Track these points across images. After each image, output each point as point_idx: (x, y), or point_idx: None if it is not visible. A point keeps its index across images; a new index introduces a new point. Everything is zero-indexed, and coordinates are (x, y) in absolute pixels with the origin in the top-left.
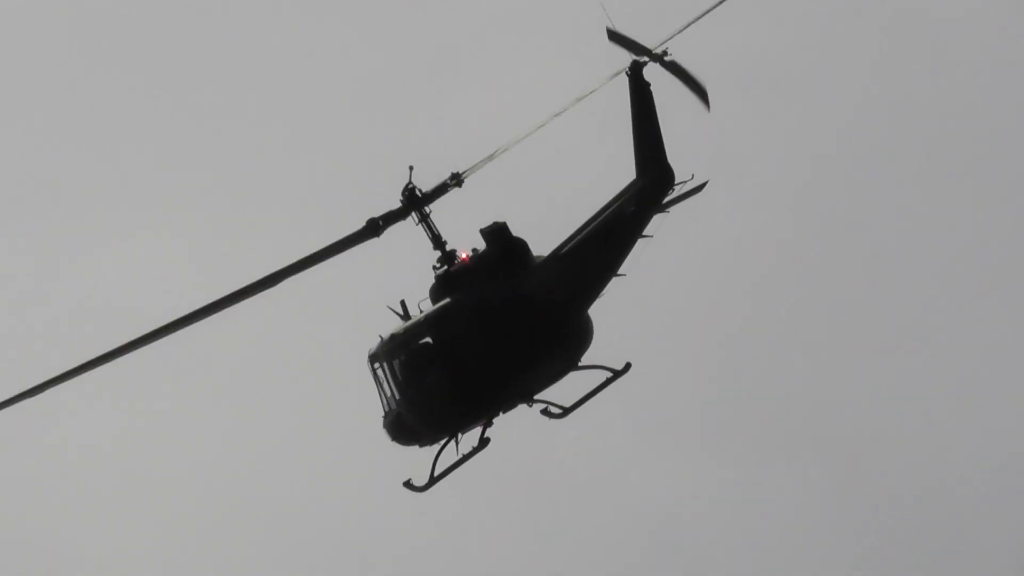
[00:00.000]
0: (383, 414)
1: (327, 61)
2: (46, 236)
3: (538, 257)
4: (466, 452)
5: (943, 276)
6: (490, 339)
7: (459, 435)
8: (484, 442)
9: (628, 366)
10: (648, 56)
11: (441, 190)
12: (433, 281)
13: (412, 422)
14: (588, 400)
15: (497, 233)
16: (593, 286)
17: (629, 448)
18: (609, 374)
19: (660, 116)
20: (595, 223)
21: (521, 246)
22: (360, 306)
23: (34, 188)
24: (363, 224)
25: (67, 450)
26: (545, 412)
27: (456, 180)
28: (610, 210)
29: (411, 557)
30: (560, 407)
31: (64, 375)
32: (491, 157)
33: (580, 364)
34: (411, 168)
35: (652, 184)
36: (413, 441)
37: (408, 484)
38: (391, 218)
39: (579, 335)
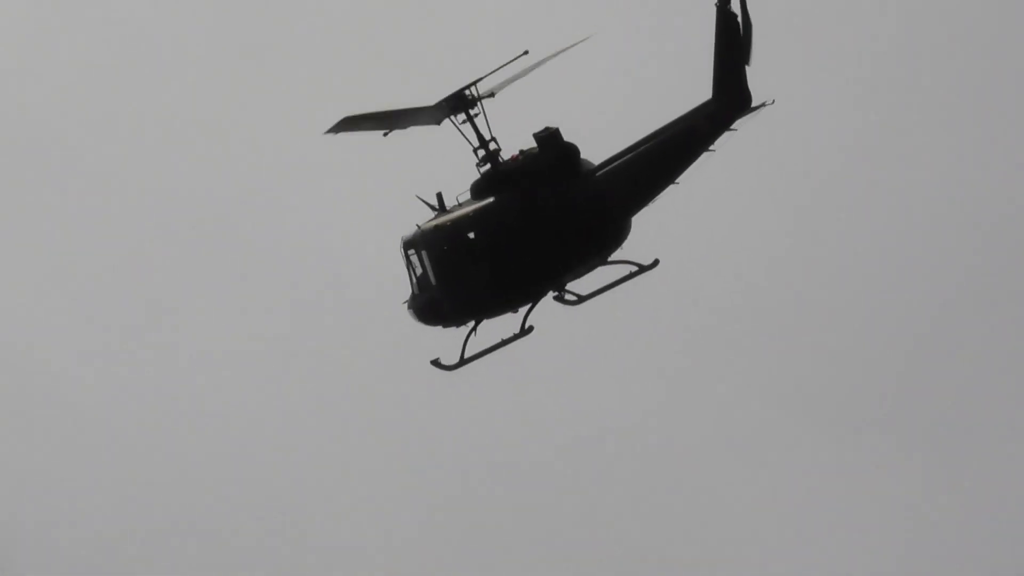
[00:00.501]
0: (410, 295)
1: None
2: None
3: (586, 162)
4: (506, 337)
5: None
6: (534, 239)
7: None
8: (526, 330)
9: (656, 262)
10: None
11: (486, 96)
12: (478, 178)
13: (447, 307)
14: (608, 290)
15: (550, 138)
16: (648, 195)
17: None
18: (634, 268)
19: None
20: (664, 136)
21: (573, 151)
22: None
23: None
24: (434, 102)
25: None
26: (559, 299)
27: (489, 93)
28: (681, 126)
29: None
30: (576, 295)
31: None
32: (525, 72)
33: (610, 259)
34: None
35: (729, 105)
36: (439, 322)
37: (436, 363)
38: (441, 108)
39: (617, 238)
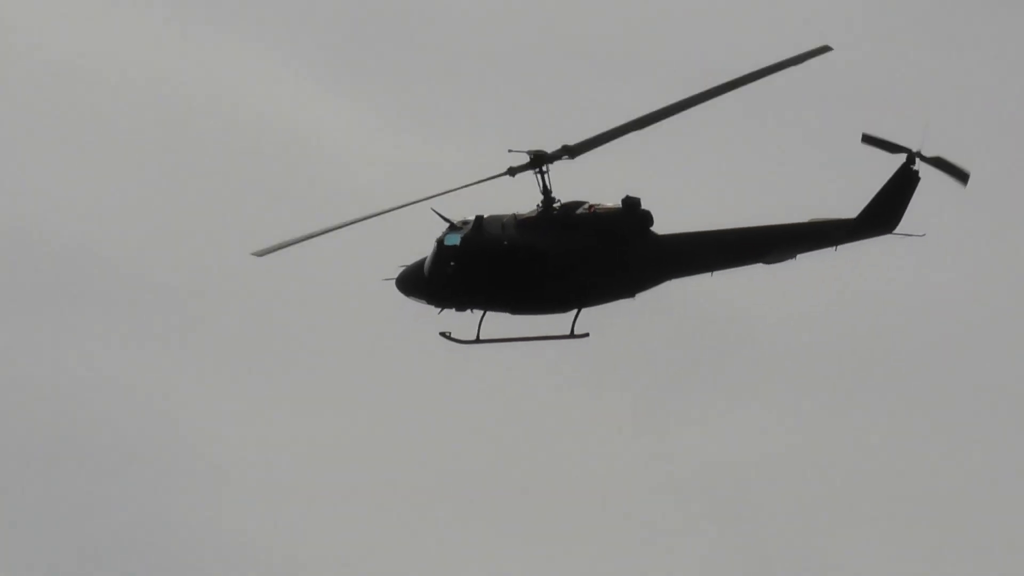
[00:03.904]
0: (414, 268)
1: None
2: None
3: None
4: (551, 333)
5: None
6: (552, 273)
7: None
8: (577, 335)
9: (585, 335)
10: (907, 152)
11: (557, 156)
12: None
13: (433, 289)
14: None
15: (636, 205)
16: (707, 269)
17: None
18: (565, 334)
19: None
20: (773, 228)
21: (648, 218)
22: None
23: None
24: (504, 170)
25: None
26: (446, 335)
27: (569, 152)
28: (805, 224)
29: None
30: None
31: None
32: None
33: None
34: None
35: (873, 224)
36: (422, 297)
37: (447, 335)
38: (521, 168)
39: (632, 290)
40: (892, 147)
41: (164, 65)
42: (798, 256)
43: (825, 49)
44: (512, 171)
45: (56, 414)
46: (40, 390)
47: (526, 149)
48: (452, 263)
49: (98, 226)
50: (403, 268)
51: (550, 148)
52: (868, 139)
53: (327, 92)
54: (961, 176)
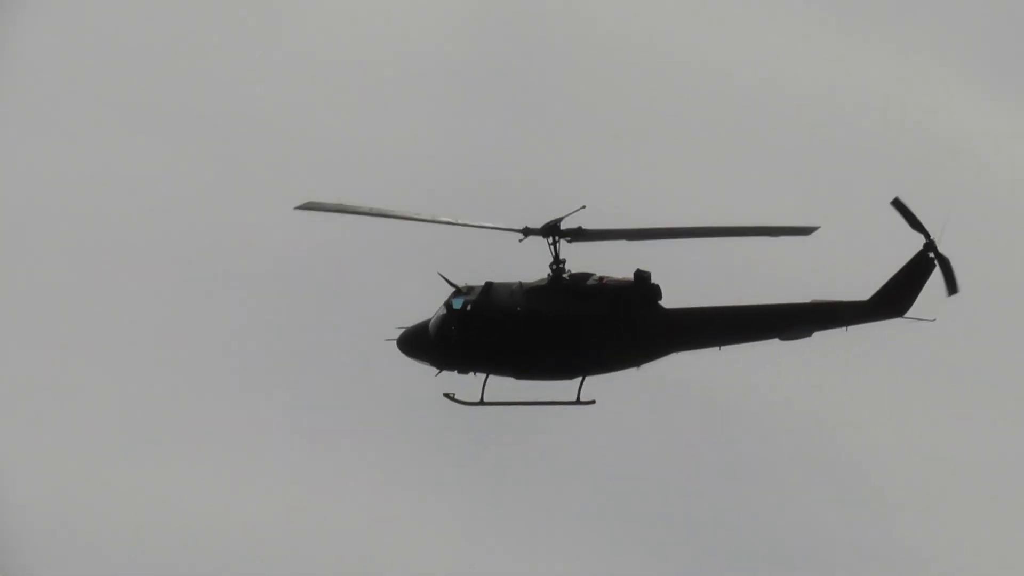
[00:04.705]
0: (417, 330)
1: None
2: None
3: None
4: (556, 399)
5: None
6: (553, 342)
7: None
8: (583, 400)
9: (592, 402)
10: (926, 235)
11: (570, 234)
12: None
13: (438, 351)
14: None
15: (647, 279)
16: (715, 344)
17: None
18: (571, 400)
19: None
20: (780, 307)
21: (657, 291)
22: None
23: None
24: (520, 227)
25: None
26: (450, 396)
27: (582, 236)
28: (811, 304)
29: None
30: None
31: None
32: (618, 235)
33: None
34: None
35: (879, 313)
36: (424, 358)
37: (450, 396)
38: (534, 232)
39: (635, 362)
40: (915, 223)
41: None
42: (814, 334)
43: (811, 230)
44: (527, 232)
45: None
46: None
47: (545, 220)
48: (459, 326)
49: None
50: (403, 329)
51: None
52: (898, 205)
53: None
54: (953, 288)
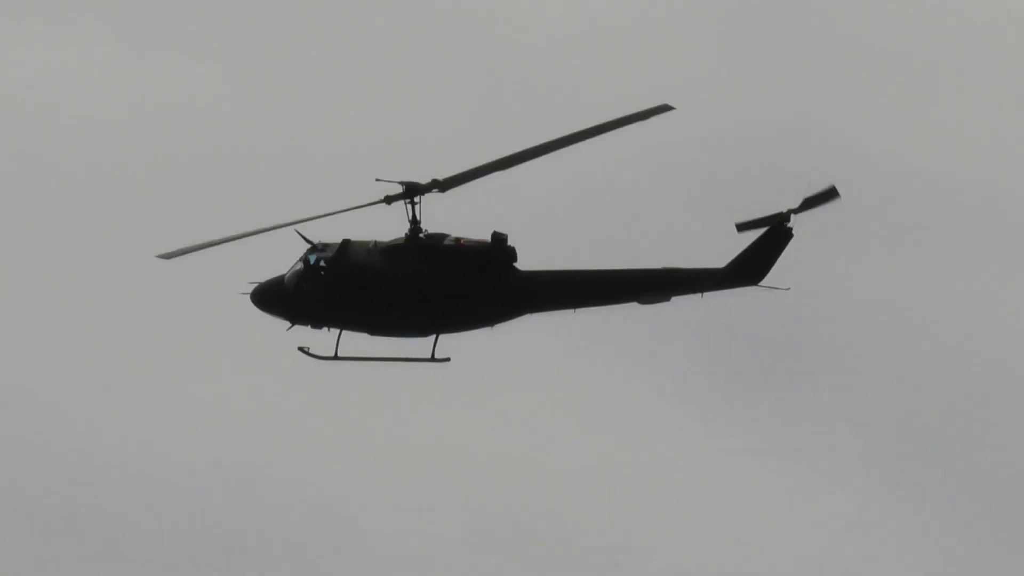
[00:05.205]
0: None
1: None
2: None
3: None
4: (410, 356)
5: None
6: (406, 298)
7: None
8: (437, 358)
9: (447, 359)
10: (783, 219)
11: (428, 188)
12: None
13: (292, 305)
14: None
15: (503, 241)
16: (558, 308)
17: None
18: (425, 357)
19: None
20: (636, 272)
21: (512, 255)
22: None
23: None
24: (380, 198)
25: None
26: (304, 350)
27: (439, 186)
28: (666, 270)
29: None
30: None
31: None
32: (476, 174)
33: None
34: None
35: (733, 282)
36: (278, 312)
37: (305, 350)
38: (396, 198)
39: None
40: (767, 221)
41: None
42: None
43: (665, 108)
44: (388, 199)
45: None
46: None
47: (397, 180)
48: (314, 282)
49: None
50: (257, 284)
51: (421, 180)
52: (743, 226)
53: None
54: (830, 195)
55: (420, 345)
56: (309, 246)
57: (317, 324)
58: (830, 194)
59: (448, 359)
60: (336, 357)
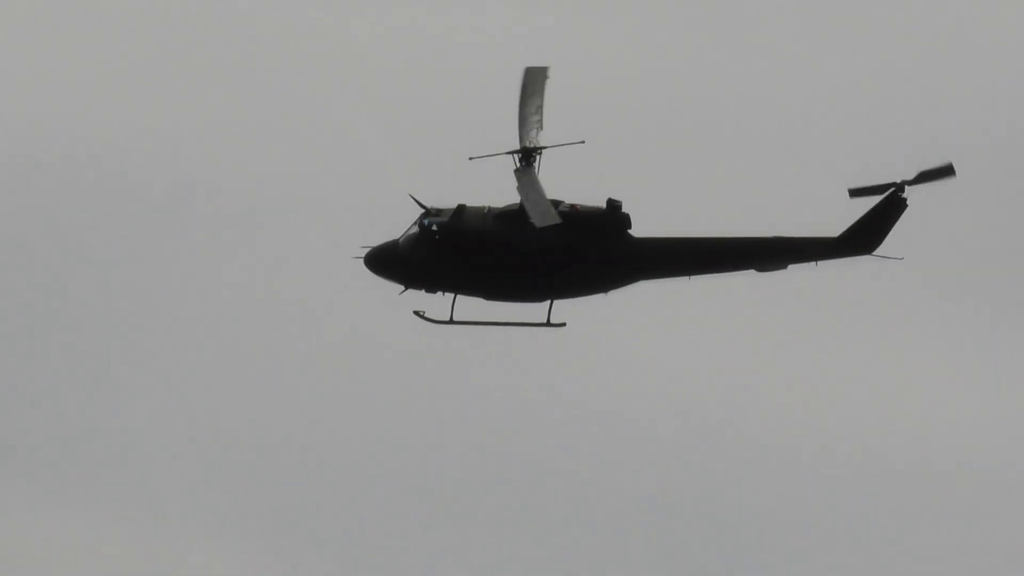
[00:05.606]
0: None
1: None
2: None
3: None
4: (527, 321)
5: None
6: (526, 262)
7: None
8: (553, 323)
9: (562, 324)
10: (896, 187)
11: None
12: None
13: (407, 269)
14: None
15: (618, 208)
16: (684, 273)
17: None
18: (541, 321)
19: None
20: (748, 240)
21: (626, 220)
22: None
23: None
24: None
25: None
26: (419, 313)
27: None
28: (778, 239)
29: None
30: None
31: None
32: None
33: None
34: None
35: (847, 251)
36: (392, 277)
37: (420, 314)
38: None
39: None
40: (880, 189)
41: None
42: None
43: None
44: (516, 152)
45: None
46: None
47: (511, 149)
48: (429, 246)
49: None
50: (370, 248)
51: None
52: (856, 192)
53: None
54: (947, 172)
55: (535, 311)
56: (423, 211)
57: (431, 288)
58: (946, 171)
59: (564, 324)
60: (452, 321)
